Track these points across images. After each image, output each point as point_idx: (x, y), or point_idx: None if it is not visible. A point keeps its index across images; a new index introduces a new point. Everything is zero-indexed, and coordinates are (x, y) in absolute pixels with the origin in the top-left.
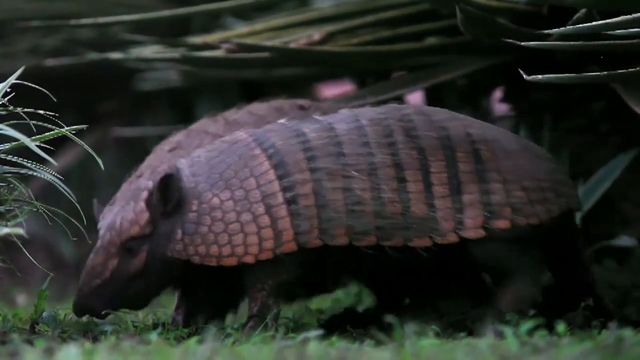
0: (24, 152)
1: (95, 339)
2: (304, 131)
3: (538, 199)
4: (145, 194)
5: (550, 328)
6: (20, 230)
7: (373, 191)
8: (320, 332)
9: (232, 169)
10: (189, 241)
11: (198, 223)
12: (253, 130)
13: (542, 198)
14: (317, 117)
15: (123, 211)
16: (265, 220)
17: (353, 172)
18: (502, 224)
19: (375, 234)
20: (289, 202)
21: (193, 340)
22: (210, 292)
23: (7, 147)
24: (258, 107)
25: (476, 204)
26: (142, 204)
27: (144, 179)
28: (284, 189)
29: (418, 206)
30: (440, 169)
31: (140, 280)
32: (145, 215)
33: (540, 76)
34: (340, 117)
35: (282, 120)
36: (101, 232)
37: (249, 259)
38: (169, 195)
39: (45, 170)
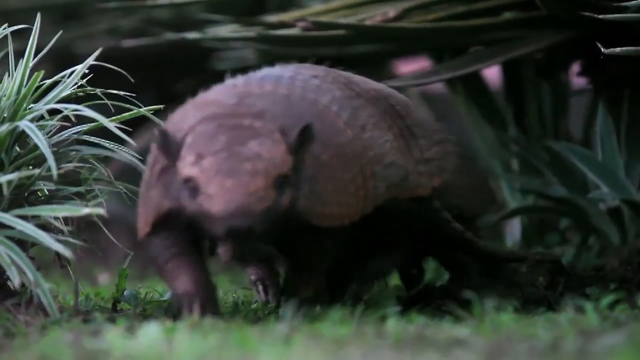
0: (104, 132)
1: (175, 317)
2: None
3: (444, 156)
4: (278, 136)
5: (631, 302)
6: (101, 210)
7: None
8: (398, 308)
9: (318, 126)
10: (307, 200)
11: (314, 181)
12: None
13: (446, 153)
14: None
15: (258, 144)
16: (360, 180)
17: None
18: (436, 181)
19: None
20: (370, 162)
21: (272, 318)
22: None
23: (85, 128)
24: None
25: (422, 161)
26: (284, 145)
27: (258, 122)
28: (364, 148)
29: (406, 159)
30: (393, 128)
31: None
32: (290, 158)
33: (618, 49)
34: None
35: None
36: (235, 158)
37: (347, 221)
38: (305, 145)
39: (125, 151)
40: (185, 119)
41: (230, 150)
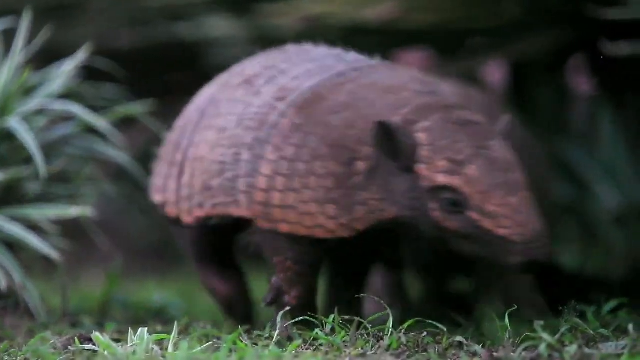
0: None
1: (166, 323)
2: None
3: None
4: (499, 133)
5: (634, 307)
6: (88, 211)
7: None
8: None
9: None
10: None
11: None
12: None
13: None
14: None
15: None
16: None
17: None
18: None
19: None
20: None
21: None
22: None
23: (75, 126)
24: None
25: None
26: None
27: (476, 116)
28: None
29: None
30: None
31: None
32: None
33: (623, 46)
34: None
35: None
36: (497, 166)
37: None
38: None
39: (117, 149)
40: (377, 108)
41: (484, 156)
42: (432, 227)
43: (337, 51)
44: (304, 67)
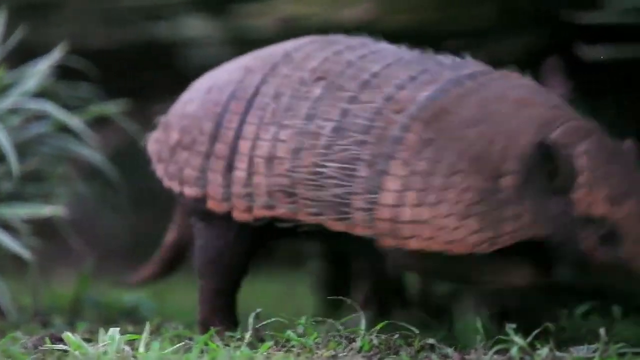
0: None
1: (137, 323)
2: None
3: None
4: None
5: (605, 311)
6: (61, 211)
7: None
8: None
9: None
10: None
11: None
12: None
13: None
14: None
15: None
16: None
17: None
18: None
19: None
20: None
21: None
22: None
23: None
24: None
25: None
26: None
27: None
28: None
29: None
30: None
31: None
32: None
33: (599, 50)
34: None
35: None
36: None
37: None
38: None
39: (91, 148)
40: (514, 123)
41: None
42: (579, 254)
43: (407, 50)
44: (404, 73)
